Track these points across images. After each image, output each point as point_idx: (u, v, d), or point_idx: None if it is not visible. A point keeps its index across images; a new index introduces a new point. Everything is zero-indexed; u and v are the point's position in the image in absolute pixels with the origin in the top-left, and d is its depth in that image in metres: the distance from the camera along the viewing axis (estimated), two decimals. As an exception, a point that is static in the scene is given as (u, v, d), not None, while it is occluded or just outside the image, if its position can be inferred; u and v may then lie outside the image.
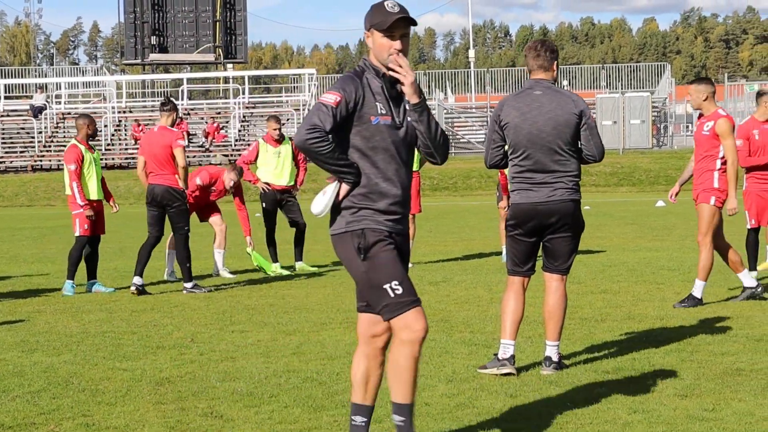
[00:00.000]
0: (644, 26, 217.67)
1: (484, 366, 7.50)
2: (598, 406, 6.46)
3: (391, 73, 5.17)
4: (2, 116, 50.21)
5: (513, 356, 7.46)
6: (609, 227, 21.59)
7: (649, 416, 6.19)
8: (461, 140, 49.79)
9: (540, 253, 7.68)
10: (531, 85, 7.54)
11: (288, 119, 46.75)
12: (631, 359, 7.80)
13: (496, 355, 7.53)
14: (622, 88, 53.11)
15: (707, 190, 10.54)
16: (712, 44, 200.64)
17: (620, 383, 7.03)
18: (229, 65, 57.80)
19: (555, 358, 7.51)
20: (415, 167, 14.93)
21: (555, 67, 7.54)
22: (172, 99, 14.07)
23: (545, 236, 7.51)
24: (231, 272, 14.44)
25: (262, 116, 48.74)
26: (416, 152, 16.11)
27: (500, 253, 15.53)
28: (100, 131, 47.53)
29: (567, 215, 7.39)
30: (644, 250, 16.64)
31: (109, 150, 47.34)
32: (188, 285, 12.56)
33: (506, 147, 7.58)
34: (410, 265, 14.73)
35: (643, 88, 54.78)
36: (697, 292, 10.51)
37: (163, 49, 55.60)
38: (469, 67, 62.60)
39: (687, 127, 65.20)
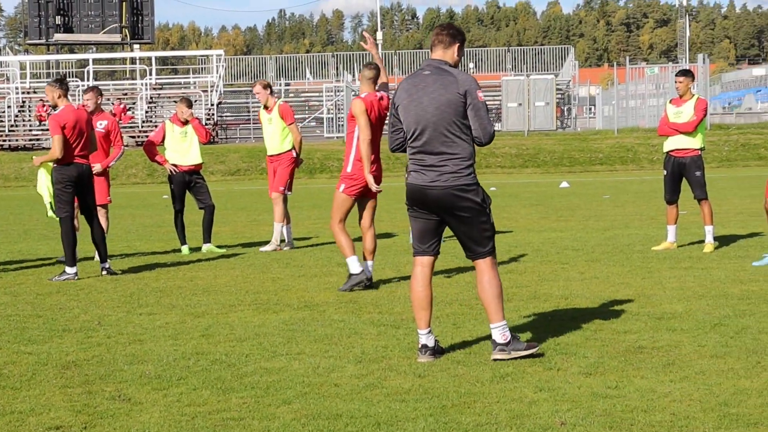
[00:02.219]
0: (548, 10, 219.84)
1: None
2: (505, 385, 6.55)
3: None
4: None
5: (425, 345, 7.36)
6: (514, 208, 21.85)
7: (555, 394, 6.31)
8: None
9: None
10: (423, 66, 7.44)
11: (196, 100, 46.33)
12: (536, 338, 7.92)
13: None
14: (526, 71, 53.67)
15: (341, 177, 10.89)
16: (613, 28, 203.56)
17: (526, 362, 7.14)
18: (136, 46, 57.04)
19: (499, 340, 7.28)
20: (287, 147, 14.83)
21: (457, 49, 7.40)
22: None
23: (445, 221, 7.42)
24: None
25: (169, 97, 48.26)
26: (285, 131, 15.62)
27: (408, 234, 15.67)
28: (3, 112, 46.63)
29: (451, 203, 7.25)
30: (549, 230, 16.88)
31: (13, 131, 46.48)
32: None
33: None
34: (288, 244, 14.71)
35: (547, 70, 55.38)
36: (361, 270, 10.79)
37: (68, 29, 54.63)
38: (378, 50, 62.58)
39: (590, 109, 66.00)
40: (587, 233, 16.18)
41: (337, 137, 45.72)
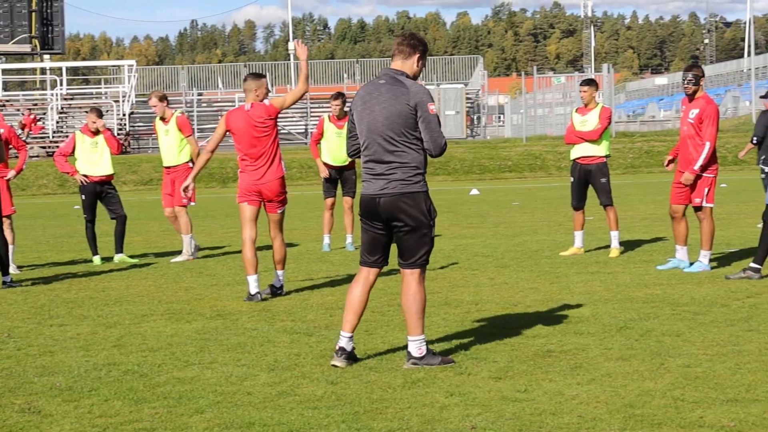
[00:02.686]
0: (458, 20, 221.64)
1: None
2: (416, 391, 6.63)
3: None
4: None
5: (343, 348, 7.40)
6: (426, 216, 21.96)
7: (465, 399, 6.40)
8: (281, 131, 49.80)
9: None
10: (380, 75, 7.45)
11: (107, 110, 45.85)
12: (447, 343, 8.03)
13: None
14: (437, 80, 54.06)
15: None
16: (521, 38, 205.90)
17: (438, 367, 7.22)
18: (46, 56, 56.19)
19: (414, 353, 7.31)
20: (184, 158, 14.73)
21: (417, 59, 7.39)
22: None
23: (393, 230, 7.41)
24: (18, 267, 14.10)
25: (80, 108, 47.69)
26: (183, 142, 15.55)
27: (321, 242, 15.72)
28: None
29: (398, 208, 7.27)
30: (459, 237, 17.05)
31: None
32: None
33: None
34: (192, 253, 14.67)
35: (457, 80, 55.83)
36: (279, 281, 11.01)
37: (-23, 40, 53.61)
38: (289, 59, 62.63)
39: (499, 118, 66.65)
40: (497, 239, 16.38)
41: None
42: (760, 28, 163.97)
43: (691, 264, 12.14)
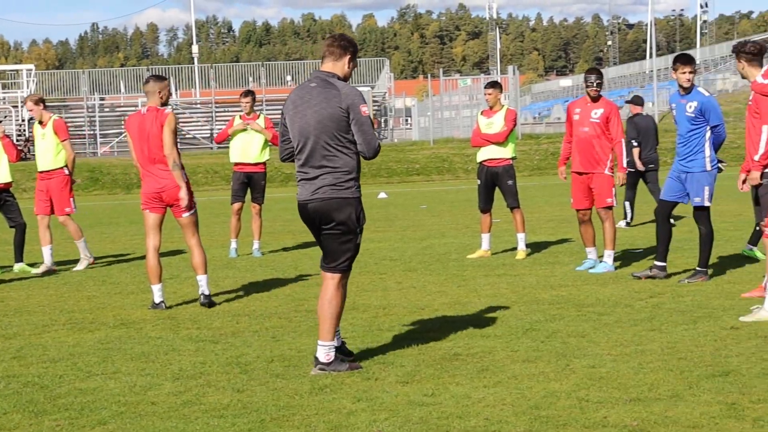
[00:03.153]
0: (363, 22, 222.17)
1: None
2: (323, 397, 6.60)
3: None
4: None
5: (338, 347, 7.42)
6: (334, 220, 21.93)
7: (372, 404, 6.38)
8: (186, 136, 49.38)
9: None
10: (311, 78, 7.39)
11: (6, 116, 44.97)
12: (354, 348, 8.00)
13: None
14: (344, 83, 54.00)
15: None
16: (427, 40, 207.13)
17: (345, 373, 7.19)
18: (-60, 60, 55.04)
19: (322, 359, 7.26)
20: (59, 164, 14.44)
21: (348, 60, 7.34)
22: None
23: (320, 232, 7.38)
24: None
25: (-24, 113, 46.66)
26: (59, 147, 15.29)
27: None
28: None
29: (327, 213, 7.23)
30: (367, 241, 16.98)
31: None
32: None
33: None
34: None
35: (363, 82, 55.88)
36: (204, 288, 10.63)
37: None
38: (193, 63, 62.15)
39: (407, 120, 66.97)
40: (405, 243, 16.41)
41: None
42: (661, 30, 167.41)
43: (596, 264, 12.30)
